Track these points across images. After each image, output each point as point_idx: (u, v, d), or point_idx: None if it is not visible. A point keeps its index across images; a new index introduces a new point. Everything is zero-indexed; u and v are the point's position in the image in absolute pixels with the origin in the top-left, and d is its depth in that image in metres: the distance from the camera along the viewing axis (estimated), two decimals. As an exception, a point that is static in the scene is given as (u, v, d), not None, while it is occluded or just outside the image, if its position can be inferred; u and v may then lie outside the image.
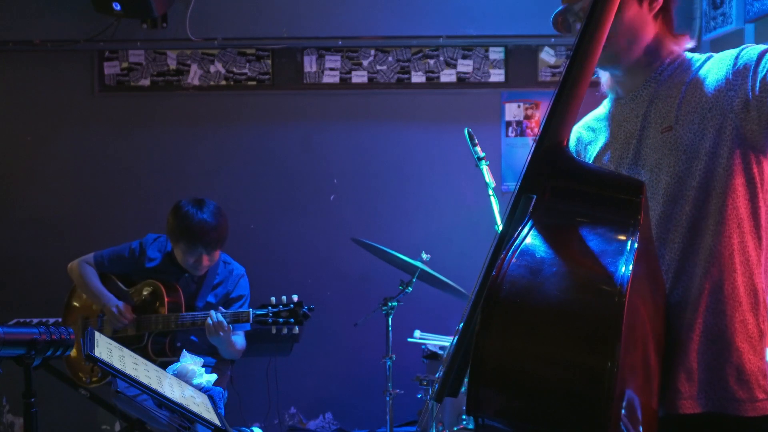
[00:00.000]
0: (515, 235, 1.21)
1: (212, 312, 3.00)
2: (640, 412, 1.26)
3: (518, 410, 1.11)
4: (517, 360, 1.11)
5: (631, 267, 1.12)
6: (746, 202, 1.48)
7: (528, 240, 1.19)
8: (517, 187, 1.31)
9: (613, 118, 1.65)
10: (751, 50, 1.46)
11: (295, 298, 3.01)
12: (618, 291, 1.09)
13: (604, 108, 1.70)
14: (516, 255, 1.17)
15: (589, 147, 1.70)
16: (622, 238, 1.18)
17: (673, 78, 1.54)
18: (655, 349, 1.41)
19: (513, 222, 1.29)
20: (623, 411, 1.12)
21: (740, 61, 1.46)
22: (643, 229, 1.23)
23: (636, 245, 1.16)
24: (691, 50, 1.62)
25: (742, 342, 1.47)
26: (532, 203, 1.28)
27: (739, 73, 1.44)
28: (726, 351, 1.46)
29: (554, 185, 1.28)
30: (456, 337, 1.32)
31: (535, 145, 1.32)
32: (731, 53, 1.50)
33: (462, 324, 1.32)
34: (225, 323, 2.98)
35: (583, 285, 1.13)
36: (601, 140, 1.66)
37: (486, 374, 1.11)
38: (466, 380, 1.32)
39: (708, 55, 1.55)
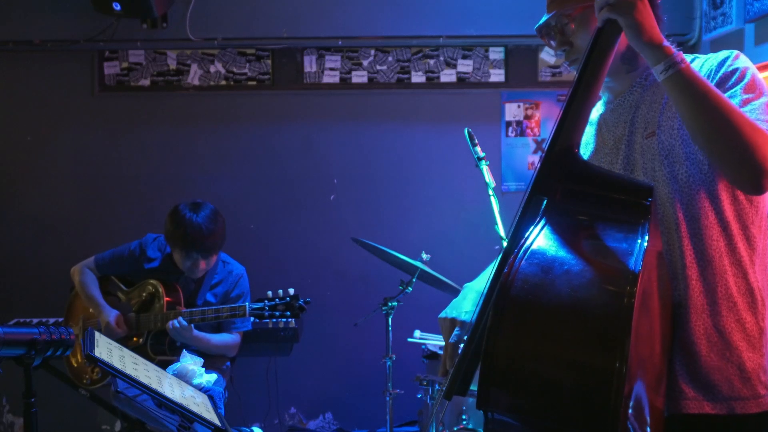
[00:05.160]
0: (527, 235, 1.23)
1: (179, 318, 3.02)
2: (648, 412, 1.27)
3: (527, 406, 1.13)
4: (527, 357, 1.13)
5: (640, 267, 1.14)
6: (730, 205, 1.51)
7: (539, 240, 1.22)
8: (529, 188, 1.34)
9: (604, 122, 1.68)
10: (731, 62, 1.49)
11: (291, 291, 3.02)
12: (627, 291, 1.11)
13: (597, 111, 1.72)
14: (528, 254, 1.19)
15: (584, 148, 1.71)
16: (631, 238, 1.21)
17: (658, 82, 1.55)
18: (663, 349, 1.42)
19: (524, 223, 1.31)
20: (630, 410, 1.13)
21: (720, 74, 1.49)
22: (652, 230, 1.25)
23: (645, 246, 1.18)
24: (691, 48, 1.63)
25: (740, 341, 1.49)
26: (543, 205, 1.30)
27: (719, 86, 1.46)
28: (726, 351, 1.48)
29: (565, 187, 1.31)
30: (465, 335, 1.33)
31: (546, 148, 1.35)
32: (715, 61, 1.52)
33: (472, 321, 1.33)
34: (185, 325, 3.00)
35: (593, 284, 1.15)
36: (593, 143, 1.69)
37: (496, 370, 1.13)
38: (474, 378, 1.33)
39: (693, 57, 1.57)
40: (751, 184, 1.39)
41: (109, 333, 3.13)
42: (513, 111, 4.27)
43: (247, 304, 3.02)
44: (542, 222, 1.26)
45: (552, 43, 1.63)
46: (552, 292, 1.14)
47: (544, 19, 1.62)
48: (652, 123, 1.55)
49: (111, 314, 3.19)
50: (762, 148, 1.35)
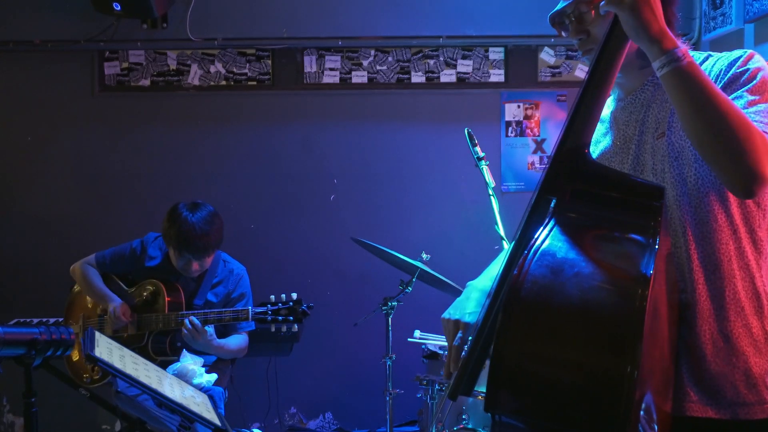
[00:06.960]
0: (536, 236, 1.22)
1: (191, 318, 3.00)
2: (656, 416, 1.26)
3: (535, 409, 1.12)
4: (537, 360, 1.12)
5: (651, 270, 1.12)
6: (738, 208, 1.49)
7: (549, 240, 1.20)
8: (538, 188, 1.32)
9: (615, 120, 1.65)
10: (743, 63, 1.47)
11: (294, 296, 3.01)
12: (639, 294, 1.09)
13: (608, 108, 1.69)
14: (537, 255, 1.17)
15: (593, 146, 1.70)
16: (642, 241, 1.19)
17: None
18: (671, 352, 1.41)
19: (532, 223, 1.29)
20: (642, 413, 1.12)
21: (729, 74, 1.47)
22: (661, 232, 1.23)
23: (656, 248, 1.17)
24: (693, 48, 1.61)
25: (747, 346, 1.47)
26: (552, 205, 1.28)
27: (727, 86, 1.45)
28: (733, 356, 1.47)
29: (575, 188, 1.29)
30: (472, 336, 1.32)
31: (556, 147, 1.33)
32: (726, 61, 1.49)
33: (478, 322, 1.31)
34: (199, 326, 2.97)
35: (604, 286, 1.14)
36: (604, 142, 1.66)
37: (505, 373, 1.12)
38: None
39: (706, 54, 1.55)
40: (742, 188, 1.35)
41: (117, 318, 3.14)
42: (513, 111, 4.27)
43: (249, 308, 3.01)
44: (551, 223, 1.24)
45: (564, 33, 1.59)
46: (562, 295, 1.13)
47: (560, 6, 1.57)
48: (662, 123, 1.53)
49: (117, 301, 3.20)
50: (756, 151, 1.31)
